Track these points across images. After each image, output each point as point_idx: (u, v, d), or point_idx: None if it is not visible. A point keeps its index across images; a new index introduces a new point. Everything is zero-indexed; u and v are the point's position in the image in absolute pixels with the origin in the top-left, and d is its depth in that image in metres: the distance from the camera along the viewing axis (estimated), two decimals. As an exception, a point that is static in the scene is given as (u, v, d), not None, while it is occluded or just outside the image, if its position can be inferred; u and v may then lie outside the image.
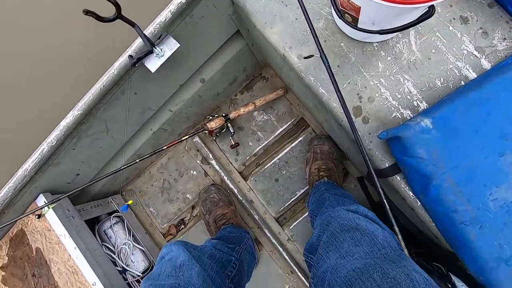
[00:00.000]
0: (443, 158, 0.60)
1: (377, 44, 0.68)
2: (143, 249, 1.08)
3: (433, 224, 0.66)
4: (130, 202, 1.16)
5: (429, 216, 0.66)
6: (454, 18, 0.67)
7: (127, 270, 1.01)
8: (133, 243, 1.07)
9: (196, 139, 1.15)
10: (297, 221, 1.12)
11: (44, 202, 0.81)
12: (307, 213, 1.11)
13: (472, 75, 0.65)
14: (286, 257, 1.08)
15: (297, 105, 1.13)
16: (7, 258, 0.84)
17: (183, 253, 0.64)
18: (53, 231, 0.81)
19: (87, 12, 0.52)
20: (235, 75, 1.08)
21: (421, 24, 0.52)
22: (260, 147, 1.15)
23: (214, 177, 1.18)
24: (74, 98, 0.73)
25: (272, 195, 1.14)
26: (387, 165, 0.68)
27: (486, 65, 0.65)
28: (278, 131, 1.14)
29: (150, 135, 1.04)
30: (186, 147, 1.20)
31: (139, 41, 0.71)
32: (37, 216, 0.82)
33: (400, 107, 0.67)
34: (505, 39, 0.65)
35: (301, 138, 1.12)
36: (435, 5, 0.47)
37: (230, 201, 1.11)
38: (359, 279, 0.45)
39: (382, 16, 0.55)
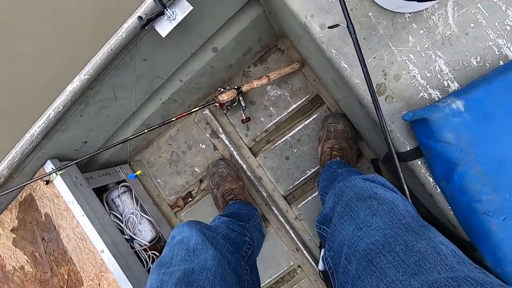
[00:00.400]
0: (472, 144, 0.55)
1: (409, 15, 0.62)
2: (150, 219, 1.09)
3: (452, 212, 0.63)
4: (138, 172, 1.15)
5: (448, 204, 0.63)
6: (500, -12, 0.59)
7: (135, 239, 1.02)
8: (141, 213, 1.07)
9: (206, 111, 1.12)
10: (306, 200, 1.10)
11: (52, 168, 0.80)
12: (316, 193, 1.09)
13: (514, 54, 0.59)
14: (293, 235, 1.07)
15: (313, 80, 1.07)
16: (17, 221, 0.85)
17: (196, 235, 0.60)
18: (61, 198, 0.81)
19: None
20: (249, 45, 1.02)
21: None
22: (272, 123, 1.12)
23: (223, 151, 1.16)
24: (81, 60, 0.69)
25: (281, 172, 1.12)
26: (408, 149, 0.64)
27: (531, 43, 0.58)
28: (292, 107, 1.10)
29: (159, 105, 1.01)
30: (195, 120, 1.17)
31: (149, 1, 0.66)
32: (45, 182, 0.82)
33: (428, 86, 0.62)
34: (556, 14, 0.58)
35: (315, 116, 1.08)
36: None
37: (239, 176, 1.10)
38: (380, 253, 0.41)
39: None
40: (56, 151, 0.84)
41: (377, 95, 0.62)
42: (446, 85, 0.61)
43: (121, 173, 1.11)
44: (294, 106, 1.10)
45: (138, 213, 1.06)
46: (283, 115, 1.11)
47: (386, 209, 0.49)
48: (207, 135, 1.16)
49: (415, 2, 0.48)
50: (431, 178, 0.64)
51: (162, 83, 0.95)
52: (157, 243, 1.09)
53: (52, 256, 0.84)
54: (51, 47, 1.38)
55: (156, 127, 0.77)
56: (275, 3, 0.79)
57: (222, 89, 1.01)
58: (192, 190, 1.21)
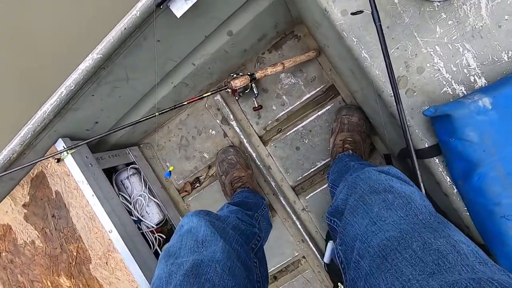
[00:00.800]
0: (496, 144, 0.53)
1: (439, 4, 0.58)
2: (158, 202, 1.10)
3: (467, 213, 0.61)
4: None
5: (464, 204, 0.61)
6: (541, -23, 0.55)
7: (142, 220, 1.03)
8: (149, 195, 1.08)
9: (218, 97, 1.10)
10: (314, 192, 1.09)
11: (63, 147, 0.81)
12: (325, 186, 1.07)
13: (550, 50, 0.55)
14: (299, 226, 1.07)
15: (329, 70, 1.04)
16: (28, 197, 0.87)
17: (205, 226, 0.58)
18: (72, 176, 0.81)
19: None
20: (265, 31, 0.99)
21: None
22: (284, 112, 1.09)
23: (233, 138, 1.15)
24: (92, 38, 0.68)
25: (291, 163, 1.10)
26: (426, 145, 0.61)
27: None
28: (305, 97, 1.07)
29: (171, 88, 1.00)
30: (206, 105, 1.15)
31: (165, -20, 0.64)
32: (56, 160, 0.82)
33: (453, 81, 0.59)
34: None
35: (328, 107, 1.05)
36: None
37: (247, 164, 1.09)
38: (396, 250, 0.39)
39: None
40: (68, 130, 0.84)
41: (398, 88, 0.60)
42: (473, 81, 0.58)
43: (131, 155, 1.12)
44: (308, 95, 1.07)
45: (146, 195, 1.07)
46: (296, 104, 1.08)
47: (402, 203, 0.47)
48: (218, 121, 1.15)
49: (448, -11, 0.45)
50: (448, 177, 0.61)
51: (175, 66, 0.93)
52: (164, 226, 1.11)
53: (62, 233, 0.85)
54: (68, 22, 1.38)
55: (167, 111, 0.76)
56: (295, -14, 0.75)
57: (235, 75, 0.99)
58: (200, 176, 1.21)
